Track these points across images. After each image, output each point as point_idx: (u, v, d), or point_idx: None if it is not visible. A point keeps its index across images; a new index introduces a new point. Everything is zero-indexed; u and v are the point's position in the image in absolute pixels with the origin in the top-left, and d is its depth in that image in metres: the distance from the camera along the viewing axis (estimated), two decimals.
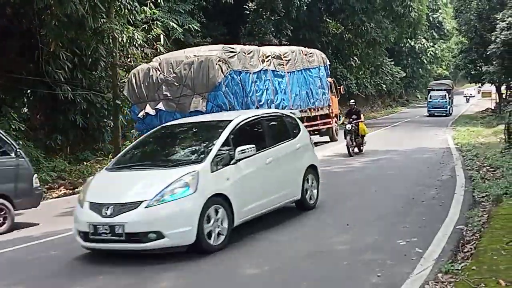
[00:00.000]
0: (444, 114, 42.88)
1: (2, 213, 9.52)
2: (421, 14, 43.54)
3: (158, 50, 20.12)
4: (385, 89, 56.32)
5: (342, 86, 28.49)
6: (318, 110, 20.13)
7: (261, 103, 15.43)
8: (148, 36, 19.77)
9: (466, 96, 66.98)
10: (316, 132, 20.26)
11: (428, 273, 5.54)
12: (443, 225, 7.48)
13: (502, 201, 8.28)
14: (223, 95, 13.72)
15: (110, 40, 17.54)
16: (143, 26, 19.66)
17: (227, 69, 14.06)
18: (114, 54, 17.85)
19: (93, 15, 15.97)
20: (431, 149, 17.99)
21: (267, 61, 16.63)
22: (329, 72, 22.29)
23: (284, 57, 17.93)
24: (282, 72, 17.39)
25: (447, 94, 44.44)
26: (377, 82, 54.25)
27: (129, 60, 19.08)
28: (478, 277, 5.07)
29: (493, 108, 45.14)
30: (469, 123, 32.14)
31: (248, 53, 15.76)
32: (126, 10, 17.33)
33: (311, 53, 20.32)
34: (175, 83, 14.11)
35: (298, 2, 31.80)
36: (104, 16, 16.82)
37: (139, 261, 6.72)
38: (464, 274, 5.26)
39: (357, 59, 43.81)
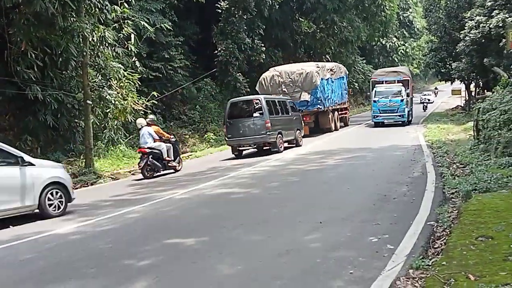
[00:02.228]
0: (400, 122, 29.85)
1: None
2: (392, 13, 44.10)
3: (130, 49, 19.92)
4: (357, 87, 56.87)
5: None
6: (344, 104, 32.93)
7: (328, 98, 27.86)
8: (119, 35, 19.56)
9: (423, 102, 49.80)
10: (342, 118, 31.93)
11: (399, 269, 5.61)
12: (414, 222, 7.57)
13: (471, 197, 8.41)
14: (319, 91, 26.36)
15: (81, 40, 17.30)
16: (114, 25, 19.44)
17: (320, 77, 26.68)
18: (84, 53, 17.60)
19: (63, 14, 15.75)
20: (403, 147, 18.22)
21: (328, 72, 28.87)
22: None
23: (332, 69, 30.00)
24: (332, 79, 29.34)
25: (403, 89, 30.01)
26: (349, 80, 54.67)
27: (100, 59, 18.83)
28: (448, 272, 5.16)
29: (462, 105, 45.96)
30: (440, 120, 32.63)
31: (323, 67, 28.48)
32: (97, 9, 17.11)
33: (340, 67, 32.73)
34: (290, 84, 26.22)
35: (270, 1, 31.90)
36: (74, 15, 16.57)
37: (113, 262, 6.66)
38: (435, 270, 5.34)
39: (329, 58, 44.20)
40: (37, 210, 10.50)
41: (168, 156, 16.37)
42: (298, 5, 39.15)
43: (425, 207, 8.49)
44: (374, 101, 29.99)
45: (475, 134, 15.46)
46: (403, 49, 65.96)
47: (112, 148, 20.80)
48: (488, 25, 28.04)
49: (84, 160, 18.05)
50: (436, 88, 75.20)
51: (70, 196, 11.12)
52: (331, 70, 29.51)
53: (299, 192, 11.10)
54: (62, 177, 11.06)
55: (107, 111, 19.11)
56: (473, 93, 42.75)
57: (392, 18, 45.05)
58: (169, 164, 16.41)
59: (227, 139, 19.82)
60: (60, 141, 19.29)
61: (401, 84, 31.05)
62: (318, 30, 42.11)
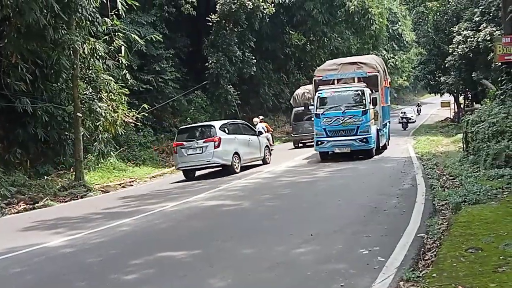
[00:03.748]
0: (363, 150, 18.70)
1: None
2: (382, 26, 44.46)
3: (120, 62, 19.93)
4: None
5: None
6: None
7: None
8: (110, 47, 19.57)
9: (402, 121, 40.56)
10: None
11: (390, 282, 5.62)
12: (404, 234, 7.59)
13: (461, 209, 8.46)
14: None
15: (71, 52, 17.28)
16: (105, 38, 19.46)
17: None
18: (75, 66, 17.58)
19: (54, 26, 15.75)
20: (393, 159, 18.30)
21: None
22: None
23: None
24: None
25: (367, 93, 18.74)
26: None
27: (90, 72, 18.81)
28: (439, 284, 5.17)
29: (452, 117, 46.31)
30: (429, 132, 32.84)
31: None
32: (87, 22, 17.13)
33: None
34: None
35: (261, 14, 32.04)
36: (65, 27, 16.58)
37: (103, 276, 6.62)
38: (425, 282, 5.35)
39: None
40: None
41: (271, 143, 24.25)
42: (289, 18, 39.39)
43: (415, 219, 8.53)
44: (317, 116, 18.84)
45: (464, 146, 15.56)
46: (392, 62, 66.42)
47: (102, 160, 20.72)
48: (476, 39, 28.41)
49: (74, 173, 17.97)
50: (418, 105, 65.28)
51: None
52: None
53: (290, 205, 11.10)
54: None
55: (98, 123, 19.06)
56: (462, 105, 43.12)
57: (381, 31, 45.37)
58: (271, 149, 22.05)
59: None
60: (50, 154, 19.18)
61: (363, 84, 19.15)
62: (308, 43, 42.35)
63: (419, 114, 54.52)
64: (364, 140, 18.33)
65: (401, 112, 44.71)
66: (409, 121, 42.69)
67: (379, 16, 42.44)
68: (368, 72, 19.88)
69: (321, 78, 20.41)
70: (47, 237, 9.88)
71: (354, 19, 39.38)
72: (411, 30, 58.84)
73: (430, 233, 7.43)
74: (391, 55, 66.52)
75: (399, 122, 40.01)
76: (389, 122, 24.30)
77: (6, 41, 15.34)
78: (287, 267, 6.51)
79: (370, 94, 18.81)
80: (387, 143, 22.39)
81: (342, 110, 18.50)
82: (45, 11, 15.10)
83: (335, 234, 8.04)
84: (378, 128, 19.61)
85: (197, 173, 18.72)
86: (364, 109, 18.35)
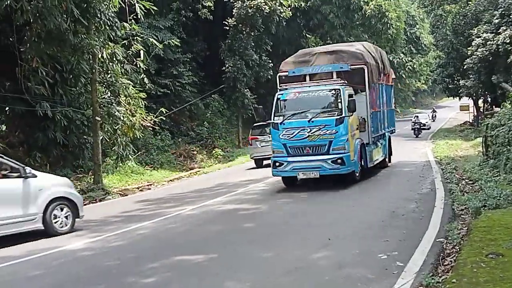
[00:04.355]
0: (337, 174, 13.52)
1: None
2: (399, 29, 44.18)
3: (138, 66, 20.08)
4: None
5: None
6: None
7: None
8: (128, 52, 19.73)
9: (414, 127, 35.91)
10: None
11: (409, 287, 5.58)
12: (423, 238, 7.53)
13: (481, 214, 8.37)
14: None
15: (90, 56, 17.46)
16: (123, 42, 19.63)
17: None
18: (94, 70, 17.76)
19: (73, 31, 15.94)
20: (411, 163, 18.17)
21: None
22: None
23: None
24: None
25: (344, 93, 13.48)
26: None
27: (109, 76, 18.98)
28: None
29: (471, 121, 45.79)
30: (448, 136, 32.53)
31: None
32: (106, 26, 17.29)
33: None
34: None
35: (278, 18, 32.06)
36: (85, 32, 16.77)
37: (121, 279, 6.67)
38: (445, 287, 5.30)
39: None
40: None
41: None
42: (305, 21, 39.36)
43: (435, 224, 8.45)
44: (274, 126, 13.94)
45: (484, 150, 15.39)
46: (410, 65, 65.91)
47: (121, 164, 20.86)
48: (495, 41, 28.07)
49: (93, 177, 18.11)
50: (434, 110, 59.09)
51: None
52: None
53: (307, 209, 11.07)
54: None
55: (116, 127, 19.20)
56: (481, 109, 42.63)
57: (399, 35, 45.07)
58: None
59: None
60: (69, 158, 19.36)
61: (341, 81, 13.97)
62: None
63: (434, 121, 48.61)
64: (339, 160, 13.01)
65: (414, 117, 39.33)
66: (423, 127, 38.06)
67: (396, 20, 42.21)
68: (352, 65, 14.49)
69: (286, 73, 15.06)
70: (66, 240, 9.97)
71: (371, 22, 39.24)
72: (429, 33, 58.37)
73: (450, 238, 7.36)
74: (409, 58, 66.00)
75: (412, 128, 35.88)
76: (393, 130, 19.19)
77: (27, 46, 15.54)
78: (305, 272, 6.48)
79: (347, 94, 13.55)
80: (387, 159, 17.52)
81: (308, 118, 13.28)
82: (64, 16, 15.28)
83: (353, 238, 7.99)
84: (366, 142, 14.58)
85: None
86: (339, 117, 13.13)
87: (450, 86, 43.19)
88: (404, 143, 28.51)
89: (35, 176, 10.35)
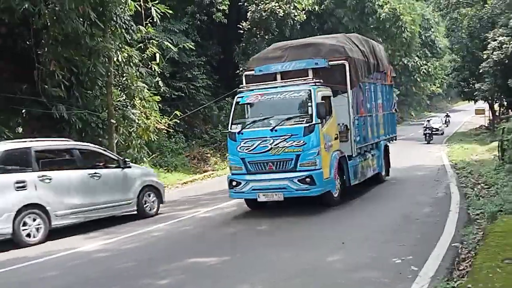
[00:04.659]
0: (306, 196, 10.78)
1: None
2: (414, 33, 43.91)
3: (153, 69, 20.21)
4: None
5: None
6: None
7: None
8: (143, 55, 19.87)
9: (425, 132, 33.84)
10: None
11: None
12: (438, 243, 7.48)
13: (497, 218, 8.29)
14: None
15: (106, 59, 17.62)
16: (139, 45, 19.78)
17: None
18: (109, 73, 17.91)
19: (90, 34, 16.10)
20: (426, 167, 18.06)
21: None
22: None
23: None
24: None
25: (316, 96, 10.79)
26: None
27: (124, 79, 19.13)
28: None
29: (486, 125, 45.38)
30: (463, 140, 32.27)
31: None
32: (122, 30, 17.44)
33: None
34: None
35: (292, 21, 32.06)
36: (101, 35, 16.93)
37: (135, 281, 6.72)
38: None
39: None
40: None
41: None
42: (320, 25, 39.29)
43: (450, 228, 8.39)
44: (232, 137, 11.32)
45: (500, 154, 15.24)
46: (425, 69, 65.49)
47: None
48: (511, 45, 27.83)
49: None
50: (447, 115, 55.10)
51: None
52: None
53: (322, 212, 11.04)
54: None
55: (131, 130, 19.34)
56: (497, 113, 42.24)
57: (413, 38, 44.74)
58: None
59: None
60: None
61: (314, 80, 11.36)
62: None
63: (447, 126, 46.50)
64: (307, 179, 10.41)
65: (426, 121, 36.81)
66: (434, 132, 35.89)
67: (411, 23, 41.95)
68: (331, 60, 11.86)
69: (253, 71, 12.48)
70: (82, 241, 10.06)
71: (385, 26, 39.05)
72: (444, 37, 58.00)
73: (465, 242, 7.30)
74: (424, 62, 65.61)
75: (423, 134, 33.73)
76: (394, 138, 16.49)
77: (45, 49, 15.73)
78: (318, 274, 6.48)
79: (325, 97, 11.13)
80: (383, 172, 14.85)
81: (271, 126, 10.78)
82: (81, 19, 15.44)
83: (367, 242, 7.97)
84: (349, 155, 11.91)
85: None
86: (308, 125, 10.54)
87: (465, 89, 42.85)
88: (419, 147, 28.37)
89: (130, 167, 12.25)
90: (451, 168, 17.15)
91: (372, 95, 14.06)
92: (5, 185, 9.67)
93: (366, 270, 6.48)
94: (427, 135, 33.21)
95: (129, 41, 18.85)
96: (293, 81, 11.37)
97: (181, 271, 7.14)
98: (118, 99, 18.91)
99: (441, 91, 79.25)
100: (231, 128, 11.23)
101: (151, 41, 20.12)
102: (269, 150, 10.64)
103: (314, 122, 10.52)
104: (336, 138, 11.44)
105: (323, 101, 10.81)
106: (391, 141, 16.09)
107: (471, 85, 40.28)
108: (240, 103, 11.61)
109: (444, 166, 18.16)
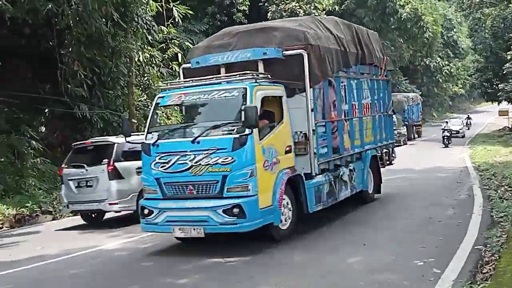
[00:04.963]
0: (232, 231, 8.00)
1: None
2: (435, 33, 43.47)
3: (174, 70, 20.34)
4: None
5: None
6: None
7: None
8: (164, 55, 20.01)
9: (444, 134, 30.29)
10: None
11: None
12: (461, 245, 7.38)
13: None
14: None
15: (128, 59, 17.78)
16: (160, 46, 19.93)
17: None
18: (131, 73, 18.07)
19: (112, 34, 16.28)
20: (448, 168, 17.84)
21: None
22: None
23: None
24: None
25: (247, 99, 7.99)
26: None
27: (145, 79, 19.29)
28: None
29: (510, 126, 44.69)
30: (486, 141, 31.77)
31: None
32: (144, 30, 17.59)
33: None
34: None
35: None
36: (123, 35, 17.10)
37: (156, 279, 6.76)
38: None
39: None
40: None
41: None
42: None
43: (472, 231, 8.28)
44: (146, 150, 8.50)
45: None
46: (447, 69, 64.77)
47: None
48: None
49: None
50: (468, 117, 50.83)
51: None
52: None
53: (341, 215, 10.97)
54: None
55: None
56: None
57: (435, 38, 44.29)
58: None
59: None
60: None
61: (252, 76, 8.38)
62: None
63: (468, 128, 44.09)
64: (235, 210, 7.72)
65: (444, 122, 33.89)
66: (454, 134, 33.18)
67: (432, 23, 41.54)
68: (286, 49, 9.13)
69: (189, 65, 9.81)
70: (103, 240, 10.14)
71: (407, 26, 38.74)
72: (467, 37, 57.26)
73: (488, 245, 7.19)
74: (446, 62, 64.91)
75: (442, 137, 30.32)
76: (389, 146, 13.44)
77: (68, 49, 15.95)
78: (339, 276, 6.44)
79: (267, 98, 8.50)
80: (369, 190, 11.83)
81: (193, 136, 8.21)
82: (104, 20, 15.62)
83: (389, 243, 7.91)
84: (307, 172, 9.09)
85: None
86: (239, 135, 7.84)
87: (488, 90, 42.30)
88: (440, 148, 28.03)
89: None
90: (474, 170, 16.92)
91: (353, 94, 11.17)
92: (130, 171, 11.38)
93: (387, 272, 6.42)
94: (445, 138, 30.05)
95: (150, 42, 19.00)
96: (227, 76, 8.67)
97: (202, 271, 7.15)
98: (139, 99, 19.08)
99: (464, 92, 78.32)
100: (146, 138, 8.57)
101: (172, 41, 20.25)
102: (189, 168, 7.94)
103: (246, 132, 7.72)
104: (288, 152, 8.66)
105: (255, 105, 7.78)
106: (387, 149, 13.32)
107: (494, 86, 39.76)
108: (160, 105, 9.05)
109: (466, 167, 17.93)
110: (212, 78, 8.70)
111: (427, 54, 49.47)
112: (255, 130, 7.81)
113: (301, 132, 9.08)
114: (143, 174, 8.62)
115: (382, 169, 12.63)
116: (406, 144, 32.21)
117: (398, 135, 27.95)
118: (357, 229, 9.26)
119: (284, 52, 9.06)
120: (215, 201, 7.82)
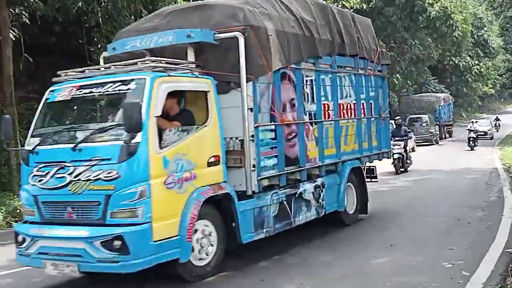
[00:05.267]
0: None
1: None
2: (465, 32, 42.73)
3: None
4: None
5: None
6: None
7: None
8: None
9: (469, 135, 27.65)
10: None
11: None
12: (490, 248, 7.24)
13: None
14: None
15: None
16: None
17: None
18: None
19: None
20: (477, 170, 17.55)
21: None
22: None
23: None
24: None
25: (145, 94, 5.96)
26: None
27: None
28: None
29: None
30: None
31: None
32: None
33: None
34: None
35: None
36: None
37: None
38: None
39: (399, 77, 43.17)
40: None
41: None
42: None
43: (503, 233, 8.12)
44: (23, 158, 6.54)
45: None
46: (477, 69, 63.66)
47: None
48: None
49: None
50: (497, 118, 47.94)
51: None
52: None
53: (368, 214, 10.89)
54: None
55: None
56: None
57: (465, 37, 43.48)
58: None
59: None
60: None
61: (154, 63, 6.36)
62: (388, 49, 41.47)
63: (497, 130, 41.71)
64: (116, 243, 5.61)
65: (471, 122, 31.01)
66: (481, 136, 31.30)
67: (462, 22, 40.82)
68: (219, 31, 7.12)
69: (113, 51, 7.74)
70: None
71: (436, 25, 38.14)
72: (498, 36, 56.21)
73: None
74: (476, 62, 63.83)
75: (468, 138, 27.61)
76: (381, 155, 10.97)
77: (99, 47, 16.16)
78: (365, 278, 6.39)
79: (174, 93, 6.55)
80: (343, 213, 9.42)
81: (76, 142, 6.07)
82: (133, 17, 15.79)
83: (416, 245, 7.82)
84: (242, 190, 7.08)
85: None
86: (127, 142, 5.76)
87: None
88: (468, 149, 27.54)
89: None
90: (504, 172, 16.60)
91: (324, 92, 8.90)
92: None
93: (414, 273, 6.35)
94: (471, 139, 27.29)
95: None
96: (123, 65, 6.61)
97: (229, 267, 7.14)
98: None
99: (494, 92, 76.90)
100: (28, 143, 6.60)
101: None
102: (67, 184, 6.01)
103: (138, 139, 5.75)
104: (213, 164, 6.70)
105: (138, 101, 5.77)
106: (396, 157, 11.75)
107: None
108: (49, 100, 6.75)
109: (496, 169, 17.61)
110: (109, 67, 6.82)
111: (456, 53, 48.66)
112: (153, 135, 5.86)
113: (236, 138, 7.10)
114: (21, 190, 6.66)
115: (409, 170, 11.83)
116: (438, 143, 33.02)
117: (430, 134, 32.38)
118: (384, 230, 9.17)
119: (216, 35, 7.08)
120: (94, 230, 5.76)
